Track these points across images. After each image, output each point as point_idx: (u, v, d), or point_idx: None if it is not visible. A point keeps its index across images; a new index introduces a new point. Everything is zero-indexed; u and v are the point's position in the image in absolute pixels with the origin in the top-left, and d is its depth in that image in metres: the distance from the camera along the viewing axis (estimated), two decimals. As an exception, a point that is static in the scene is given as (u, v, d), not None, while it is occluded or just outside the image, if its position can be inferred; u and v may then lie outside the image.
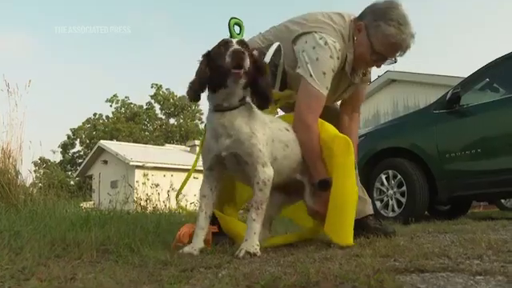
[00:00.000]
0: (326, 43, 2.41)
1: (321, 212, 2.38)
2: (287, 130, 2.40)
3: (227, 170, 2.25)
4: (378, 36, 2.43)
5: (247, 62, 2.00)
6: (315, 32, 2.45)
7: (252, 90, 2.14)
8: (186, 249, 2.12)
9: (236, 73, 1.99)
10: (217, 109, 2.15)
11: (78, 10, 55.93)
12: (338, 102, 2.93)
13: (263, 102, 2.16)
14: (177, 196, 2.70)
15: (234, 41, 2.08)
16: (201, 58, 2.15)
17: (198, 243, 2.17)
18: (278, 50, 2.49)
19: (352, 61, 2.54)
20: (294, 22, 2.62)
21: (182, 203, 2.69)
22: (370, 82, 2.84)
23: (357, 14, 2.61)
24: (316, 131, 2.40)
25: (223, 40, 2.12)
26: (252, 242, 2.03)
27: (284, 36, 2.60)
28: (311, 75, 2.39)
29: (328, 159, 2.40)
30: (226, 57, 1.99)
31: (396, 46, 2.45)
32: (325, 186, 2.34)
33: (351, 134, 2.69)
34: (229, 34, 3.11)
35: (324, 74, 2.39)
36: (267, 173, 2.11)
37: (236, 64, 1.97)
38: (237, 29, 3.13)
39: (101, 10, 56.29)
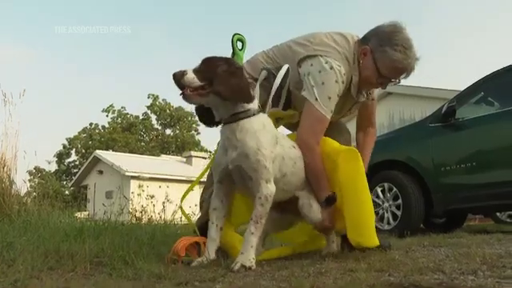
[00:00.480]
0: (331, 68, 2.44)
1: (330, 226, 2.45)
2: (294, 148, 2.42)
3: (235, 183, 2.26)
4: (385, 61, 2.47)
5: (187, 80, 2.02)
6: (320, 56, 2.48)
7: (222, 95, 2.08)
8: (196, 260, 2.14)
9: (183, 94, 2.05)
10: (223, 122, 2.19)
11: (76, 11, 56.08)
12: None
13: (234, 98, 2.10)
14: (181, 201, 2.68)
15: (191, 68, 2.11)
16: None
17: (210, 255, 2.17)
18: (287, 71, 2.51)
19: (357, 83, 2.57)
20: (298, 43, 2.63)
21: (185, 211, 2.68)
22: (374, 99, 2.88)
23: (359, 35, 2.64)
24: (318, 152, 2.44)
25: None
26: (248, 256, 2.03)
27: (288, 56, 2.63)
28: (316, 99, 2.42)
29: (332, 172, 2.43)
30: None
31: (402, 70, 2.50)
32: (331, 202, 2.39)
33: (364, 149, 2.83)
34: (231, 50, 3.14)
35: (329, 98, 2.43)
36: (270, 189, 2.12)
37: (179, 87, 2.04)
38: (239, 45, 3.15)
39: (98, 13, 56.45)
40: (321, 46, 2.53)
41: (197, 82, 2.04)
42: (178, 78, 2.02)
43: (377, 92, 2.87)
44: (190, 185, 2.63)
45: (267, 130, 2.19)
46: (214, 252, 2.19)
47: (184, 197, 2.68)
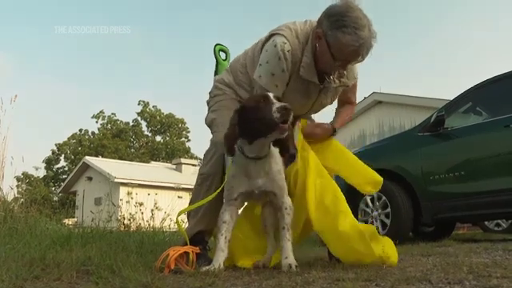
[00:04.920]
0: (275, 45, 2.44)
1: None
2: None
3: (251, 199, 2.47)
4: (336, 44, 2.38)
5: (291, 117, 2.15)
6: (273, 34, 2.50)
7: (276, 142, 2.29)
8: (206, 267, 2.21)
9: (283, 126, 2.13)
10: (252, 157, 2.29)
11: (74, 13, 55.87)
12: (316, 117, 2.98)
13: (288, 156, 2.36)
14: (179, 214, 2.68)
15: (271, 95, 2.21)
16: (235, 113, 2.27)
17: (219, 264, 2.25)
18: None
19: (309, 65, 2.50)
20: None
21: (180, 222, 2.67)
22: (356, 78, 2.81)
23: None
24: None
25: (262, 95, 2.26)
26: (293, 259, 2.26)
27: (257, 46, 2.66)
28: (260, 76, 2.49)
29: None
30: (272, 111, 2.11)
31: (355, 51, 2.39)
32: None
33: (340, 112, 2.88)
34: (215, 61, 3.13)
35: (272, 74, 2.47)
36: (290, 199, 2.38)
37: (284, 120, 2.12)
38: (222, 55, 3.16)
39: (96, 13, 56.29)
40: (277, 27, 2.55)
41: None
42: (290, 114, 2.14)
43: (356, 72, 2.75)
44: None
45: (277, 151, 2.38)
46: (223, 262, 2.27)
47: (180, 213, 2.67)
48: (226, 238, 2.32)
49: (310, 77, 2.53)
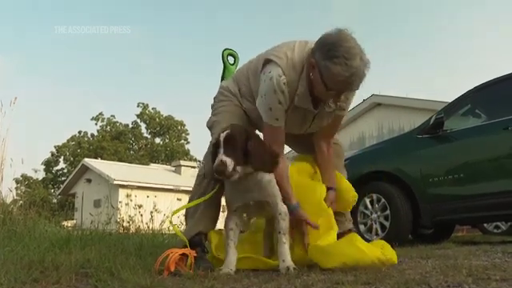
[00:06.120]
0: (271, 78, 2.44)
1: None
2: None
3: (250, 211, 2.56)
4: (327, 75, 2.37)
5: (230, 168, 2.16)
6: (270, 61, 2.50)
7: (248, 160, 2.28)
8: (224, 270, 2.29)
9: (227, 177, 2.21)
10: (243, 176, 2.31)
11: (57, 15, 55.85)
12: None
13: (262, 168, 2.33)
14: (171, 215, 2.71)
15: (222, 140, 2.21)
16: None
17: (232, 265, 2.35)
18: None
19: (303, 93, 2.52)
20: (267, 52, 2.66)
21: (174, 221, 2.69)
22: (347, 110, 2.83)
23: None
24: (281, 161, 2.52)
25: (214, 141, 2.30)
26: (290, 261, 2.31)
27: (258, 63, 2.65)
28: (260, 110, 2.55)
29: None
30: (214, 165, 2.19)
31: (346, 81, 2.37)
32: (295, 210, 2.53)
33: (330, 161, 2.84)
34: (222, 65, 3.14)
35: (270, 109, 2.49)
36: (284, 206, 2.43)
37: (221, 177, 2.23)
38: (231, 59, 3.16)
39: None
40: (275, 51, 2.55)
41: (232, 165, 2.18)
42: (226, 173, 2.16)
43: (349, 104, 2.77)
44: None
45: None
46: (234, 265, 2.36)
47: (175, 213, 2.69)
48: (234, 243, 2.43)
49: (304, 105, 2.55)
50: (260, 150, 2.30)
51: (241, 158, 2.22)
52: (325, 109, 2.63)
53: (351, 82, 2.36)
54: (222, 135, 2.22)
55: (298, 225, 2.54)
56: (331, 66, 2.32)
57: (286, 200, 2.48)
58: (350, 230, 2.85)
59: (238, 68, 3.03)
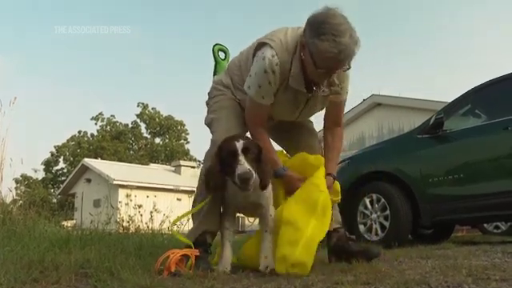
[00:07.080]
0: (264, 58, 2.47)
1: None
2: None
3: (246, 211, 2.71)
4: (316, 53, 2.36)
5: (254, 176, 2.22)
6: (264, 43, 2.52)
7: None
8: (220, 268, 2.38)
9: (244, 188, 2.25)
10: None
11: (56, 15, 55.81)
12: (312, 118, 3.00)
13: (268, 178, 2.41)
14: (174, 222, 2.83)
15: (239, 150, 2.25)
16: (215, 154, 2.40)
17: (228, 263, 2.44)
18: None
19: (297, 74, 2.51)
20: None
21: (175, 230, 2.72)
22: (347, 92, 2.79)
23: None
24: (260, 132, 2.66)
25: (230, 146, 2.29)
26: (272, 261, 2.36)
27: (250, 49, 2.68)
28: (249, 87, 2.56)
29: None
30: (235, 175, 2.20)
31: (334, 58, 2.34)
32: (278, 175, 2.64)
33: (333, 151, 2.85)
34: (214, 61, 3.14)
35: (259, 86, 2.52)
36: (273, 208, 2.57)
37: (244, 187, 2.23)
38: (222, 55, 3.17)
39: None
40: (270, 35, 2.57)
41: (254, 174, 2.24)
42: (251, 181, 2.22)
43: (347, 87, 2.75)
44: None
45: None
46: (229, 264, 2.45)
47: (176, 222, 2.75)
48: (229, 241, 2.53)
49: (297, 86, 2.55)
50: (268, 162, 2.44)
51: (255, 168, 2.27)
52: (318, 92, 2.60)
53: (340, 59, 2.34)
54: (239, 145, 2.25)
55: (291, 185, 2.63)
56: (319, 42, 2.31)
57: (274, 166, 2.59)
58: (335, 230, 2.78)
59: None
